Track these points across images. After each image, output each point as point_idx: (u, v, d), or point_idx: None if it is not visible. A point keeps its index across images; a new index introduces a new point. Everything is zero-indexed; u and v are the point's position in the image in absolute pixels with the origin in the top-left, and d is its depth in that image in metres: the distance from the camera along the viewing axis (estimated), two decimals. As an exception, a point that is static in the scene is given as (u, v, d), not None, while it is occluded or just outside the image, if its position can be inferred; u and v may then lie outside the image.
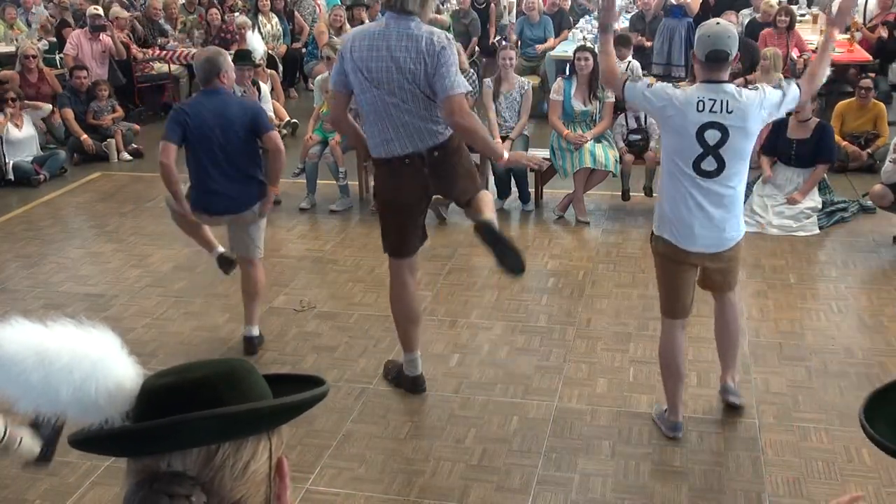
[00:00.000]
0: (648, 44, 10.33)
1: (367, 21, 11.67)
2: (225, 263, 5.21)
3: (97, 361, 1.13)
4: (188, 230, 5.22)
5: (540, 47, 10.88)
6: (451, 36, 4.24)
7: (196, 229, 5.17)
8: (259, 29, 11.59)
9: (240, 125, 4.73)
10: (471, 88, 4.31)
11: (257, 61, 8.27)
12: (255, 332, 5.14)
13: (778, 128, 6.93)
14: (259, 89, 7.88)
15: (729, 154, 3.81)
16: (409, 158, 4.16)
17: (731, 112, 3.78)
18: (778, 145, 7.06)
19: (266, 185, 4.91)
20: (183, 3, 12.44)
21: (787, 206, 6.86)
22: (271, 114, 8.13)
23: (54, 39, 11.45)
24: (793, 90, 3.90)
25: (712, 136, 3.78)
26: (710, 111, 3.77)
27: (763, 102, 3.83)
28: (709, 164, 3.82)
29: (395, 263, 4.47)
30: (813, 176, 6.94)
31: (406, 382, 4.67)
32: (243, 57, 7.61)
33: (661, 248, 4.05)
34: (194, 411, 1.09)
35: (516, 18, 12.66)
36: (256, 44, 9.14)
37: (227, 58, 4.88)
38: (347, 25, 11.19)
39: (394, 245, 4.43)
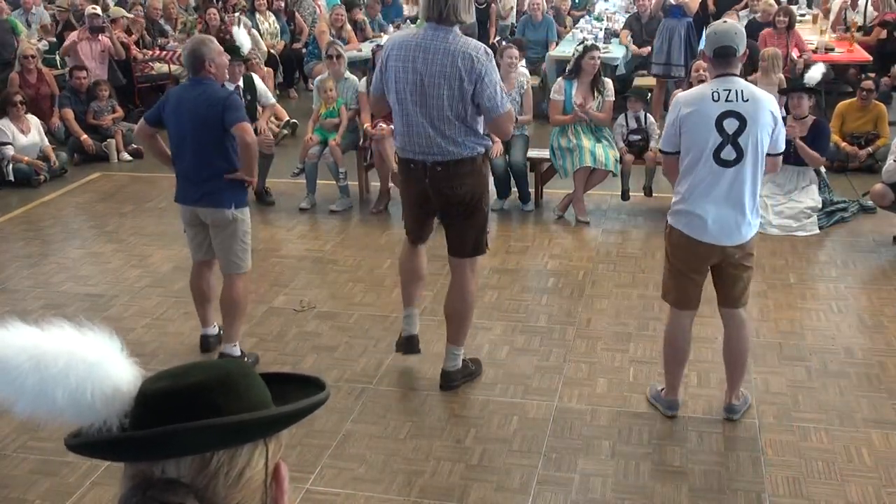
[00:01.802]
0: (647, 50, 10.24)
1: (365, 21, 11.71)
2: (205, 344, 5.07)
3: (93, 365, 1.13)
4: (197, 297, 5.05)
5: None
6: (489, 50, 4.18)
7: (204, 300, 5.03)
8: (258, 27, 11.60)
9: (212, 118, 4.57)
10: (511, 107, 4.36)
11: (245, 54, 8.15)
12: (235, 351, 4.86)
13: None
14: (253, 83, 7.77)
15: (747, 144, 3.88)
16: (414, 164, 4.30)
17: (746, 101, 3.88)
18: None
19: (245, 188, 4.78)
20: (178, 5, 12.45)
21: (787, 206, 6.85)
22: (271, 99, 8.06)
23: (54, 39, 11.45)
24: (783, 137, 4.05)
25: (731, 124, 3.87)
26: (726, 100, 3.89)
27: (772, 108, 3.94)
28: (728, 154, 3.90)
29: (409, 239, 4.73)
30: (810, 151, 6.88)
31: (400, 342, 4.79)
32: (230, 51, 7.49)
33: (676, 238, 4.11)
34: (189, 417, 1.09)
35: (517, 20, 12.67)
36: (242, 38, 9.00)
37: (212, 45, 4.70)
38: (348, 25, 11.20)
39: (406, 225, 4.70)
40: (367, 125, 7.39)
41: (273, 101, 8.21)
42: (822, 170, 7.19)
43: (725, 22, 4.17)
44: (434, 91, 4.08)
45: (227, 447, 1.12)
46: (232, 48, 7.75)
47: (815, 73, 7.17)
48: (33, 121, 8.76)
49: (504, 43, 8.68)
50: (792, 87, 7.31)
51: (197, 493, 1.09)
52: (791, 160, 7.01)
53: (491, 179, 7.50)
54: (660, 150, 4.18)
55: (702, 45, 4.09)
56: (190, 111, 4.60)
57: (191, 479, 1.10)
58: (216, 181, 4.65)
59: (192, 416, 1.10)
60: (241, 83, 7.51)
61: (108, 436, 1.13)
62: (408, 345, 4.79)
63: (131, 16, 11.51)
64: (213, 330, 5.12)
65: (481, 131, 4.29)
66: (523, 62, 8.95)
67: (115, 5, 12.25)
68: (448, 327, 4.67)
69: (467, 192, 4.29)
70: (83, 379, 1.12)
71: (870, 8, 11.40)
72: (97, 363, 1.13)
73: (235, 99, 4.72)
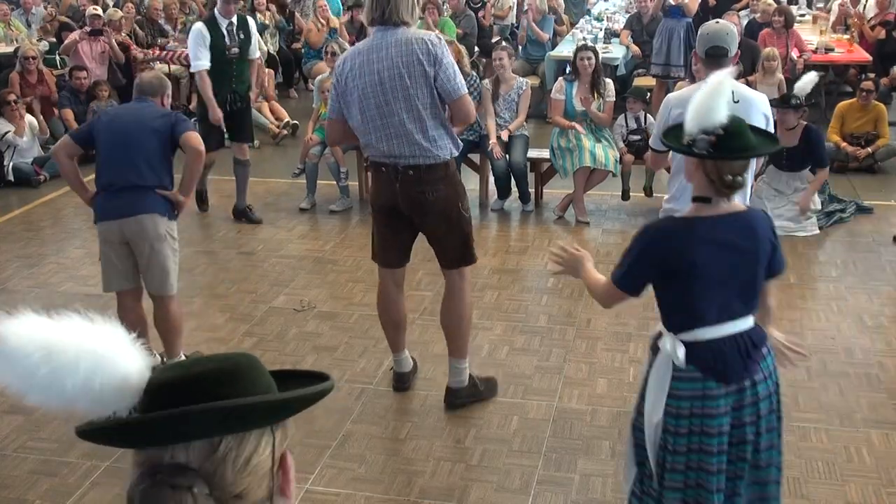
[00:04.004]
0: (639, 52, 10.37)
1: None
2: None
3: (102, 356, 1.15)
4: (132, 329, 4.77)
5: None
6: (441, 36, 4.16)
7: (140, 330, 4.65)
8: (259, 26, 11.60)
9: (155, 129, 4.47)
10: (467, 90, 4.23)
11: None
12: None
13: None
14: (247, 23, 7.23)
15: None
16: (385, 167, 4.14)
17: (737, 102, 3.87)
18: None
19: (175, 205, 4.56)
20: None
21: (786, 208, 6.84)
22: (257, 52, 7.43)
23: (54, 40, 11.45)
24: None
25: None
26: None
27: (764, 109, 3.96)
28: None
29: (380, 272, 4.50)
30: (815, 181, 6.83)
31: (393, 377, 4.71)
32: None
33: None
34: (198, 404, 1.12)
35: (517, 19, 12.66)
36: None
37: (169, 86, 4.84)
38: (333, 16, 11.17)
39: (374, 249, 4.47)
40: None
41: (258, 54, 7.56)
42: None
43: (718, 22, 4.16)
44: (397, 83, 3.95)
45: (235, 432, 1.14)
46: None
47: (804, 85, 6.86)
48: (29, 121, 8.75)
49: (503, 44, 8.67)
50: (778, 103, 6.99)
51: (205, 479, 1.11)
52: (785, 168, 6.94)
53: (491, 179, 7.57)
54: (651, 149, 4.18)
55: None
56: (135, 121, 4.52)
57: (199, 464, 1.12)
58: (147, 192, 4.45)
59: (200, 402, 1.12)
60: (234, 20, 7.03)
61: (117, 420, 1.15)
62: (398, 380, 4.66)
63: (121, 13, 11.50)
64: (157, 359, 4.80)
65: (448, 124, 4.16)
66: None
67: (114, 6, 12.24)
68: (447, 340, 4.50)
69: (441, 198, 4.14)
70: (92, 370, 1.13)
71: (869, 5, 11.39)
72: (106, 354, 1.15)
73: (182, 114, 4.75)
